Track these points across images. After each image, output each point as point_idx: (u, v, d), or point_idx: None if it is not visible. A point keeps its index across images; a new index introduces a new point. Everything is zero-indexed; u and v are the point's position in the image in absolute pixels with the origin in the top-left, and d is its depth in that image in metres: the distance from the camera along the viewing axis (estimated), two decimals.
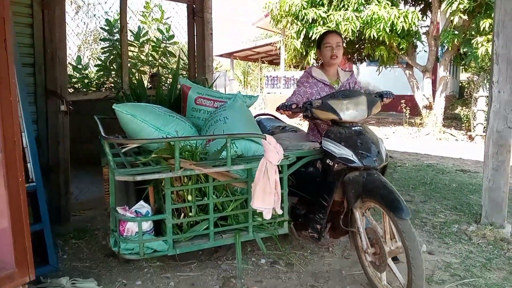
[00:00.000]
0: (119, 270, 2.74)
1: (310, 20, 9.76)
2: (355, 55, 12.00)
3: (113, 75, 6.82)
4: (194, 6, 4.82)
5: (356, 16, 9.25)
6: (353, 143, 2.39)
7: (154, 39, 6.94)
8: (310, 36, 9.83)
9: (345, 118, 2.47)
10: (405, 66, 10.83)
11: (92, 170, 3.88)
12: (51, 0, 3.37)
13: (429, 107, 10.40)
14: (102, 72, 6.96)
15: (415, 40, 10.02)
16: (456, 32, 8.96)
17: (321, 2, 9.90)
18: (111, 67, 6.48)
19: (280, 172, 2.55)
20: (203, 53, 4.85)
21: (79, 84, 6.54)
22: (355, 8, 9.38)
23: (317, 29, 9.66)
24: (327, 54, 3.02)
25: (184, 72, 5.05)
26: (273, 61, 21.52)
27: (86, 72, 7.18)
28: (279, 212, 2.47)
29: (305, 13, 9.72)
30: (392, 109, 13.79)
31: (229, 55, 20.01)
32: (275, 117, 3.86)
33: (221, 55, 19.91)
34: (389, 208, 2.17)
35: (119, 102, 3.09)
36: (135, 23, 7.49)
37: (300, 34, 10.08)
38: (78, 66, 6.81)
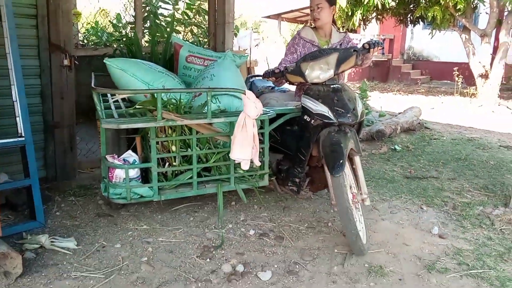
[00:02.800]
0: (104, 232, 2.67)
1: None
2: (408, 16, 11.07)
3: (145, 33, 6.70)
4: None
5: None
6: (330, 100, 2.48)
7: None
8: None
9: (310, 79, 2.56)
10: (462, 29, 9.84)
11: None
12: None
13: (485, 76, 9.44)
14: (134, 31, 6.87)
15: (475, 0, 9.01)
16: None
17: None
18: (144, 25, 6.36)
19: (262, 127, 2.77)
20: (223, 9, 4.56)
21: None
22: None
23: None
24: (312, 17, 3.04)
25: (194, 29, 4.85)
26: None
27: (125, 31, 7.12)
28: (257, 163, 2.65)
29: None
30: (447, 78, 12.80)
31: (277, 16, 19.29)
32: None
33: (268, 17, 19.32)
34: (327, 165, 2.39)
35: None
36: None
37: None
38: (118, 24, 6.75)
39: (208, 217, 2.89)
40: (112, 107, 2.92)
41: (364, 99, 5.69)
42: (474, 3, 9.33)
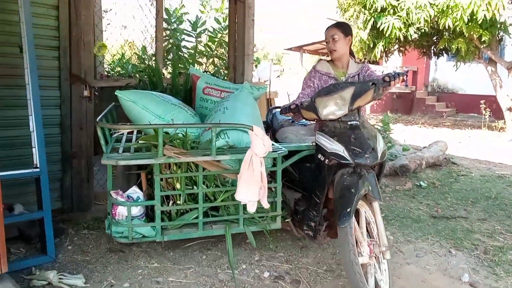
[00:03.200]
0: (113, 269, 2.57)
1: (379, 9, 9.00)
2: (432, 48, 10.97)
3: (167, 65, 6.78)
4: None
5: (430, 4, 8.34)
6: (346, 138, 2.29)
7: (211, 29, 6.82)
8: (378, 26, 9.09)
9: (323, 116, 2.39)
10: (487, 61, 9.65)
11: None
12: None
13: None
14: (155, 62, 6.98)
15: (500, 32, 8.85)
16: None
17: None
18: (168, 57, 6.45)
19: (275, 165, 2.61)
20: (244, 40, 4.57)
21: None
22: None
23: (386, 18, 8.90)
24: (328, 50, 2.93)
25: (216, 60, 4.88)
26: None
27: (150, 62, 7.25)
28: (265, 206, 2.44)
29: (373, 1, 8.99)
30: (474, 111, 12.49)
31: (299, 48, 19.48)
32: None
33: (290, 49, 19.52)
34: (334, 212, 2.24)
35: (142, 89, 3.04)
36: (195, 13, 7.43)
37: (368, 24, 9.36)
38: (142, 56, 6.88)
39: (221, 256, 2.77)
40: (123, 140, 2.86)
41: (387, 132, 5.53)
42: (499, 35, 9.18)
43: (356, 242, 2.18)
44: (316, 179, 2.46)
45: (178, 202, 2.55)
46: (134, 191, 2.57)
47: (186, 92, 3.42)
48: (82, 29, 3.33)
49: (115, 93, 2.75)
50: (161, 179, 2.48)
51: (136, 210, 2.51)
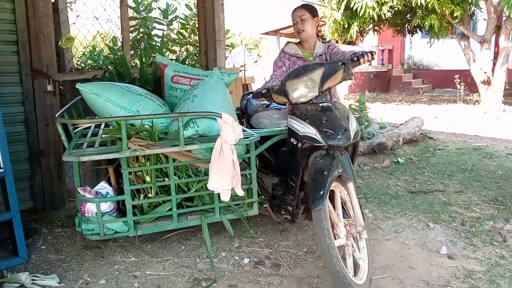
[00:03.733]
0: (89, 266, 2.51)
1: None
2: (406, 26, 10.99)
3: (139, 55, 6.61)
4: None
5: None
6: (318, 120, 2.24)
7: (183, 16, 6.66)
8: (352, 6, 9.05)
9: (294, 99, 2.32)
10: (460, 37, 9.73)
11: None
12: None
13: (487, 82, 9.29)
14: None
15: (471, 7, 8.91)
16: None
17: None
18: (138, 47, 6.29)
19: (248, 151, 2.57)
20: (214, 26, 4.46)
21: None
22: None
23: None
24: (295, 30, 2.91)
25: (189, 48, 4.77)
26: (322, 37, 20.60)
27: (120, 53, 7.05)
28: (240, 193, 2.40)
29: None
30: (449, 86, 12.63)
31: (275, 32, 19.32)
32: None
33: (266, 33, 19.35)
34: (307, 195, 2.17)
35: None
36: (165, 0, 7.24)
37: (341, 4, 9.30)
38: (114, 47, 6.68)
39: (200, 245, 2.72)
40: (89, 135, 2.76)
41: (363, 112, 5.53)
42: (471, 10, 9.25)
43: (332, 225, 2.15)
44: (290, 163, 2.42)
45: (150, 195, 2.47)
46: (103, 187, 2.48)
47: (155, 82, 3.31)
48: (40, 21, 3.18)
49: (76, 86, 2.63)
50: (130, 173, 2.40)
51: (106, 206, 2.43)
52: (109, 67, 3.82)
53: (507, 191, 3.61)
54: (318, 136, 2.21)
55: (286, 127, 2.50)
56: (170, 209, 2.50)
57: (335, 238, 2.09)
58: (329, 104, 2.31)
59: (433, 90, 13.61)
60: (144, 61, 3.71)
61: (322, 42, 2.99)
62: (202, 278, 2.34)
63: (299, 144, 2.31)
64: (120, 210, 2.52)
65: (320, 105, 2.29)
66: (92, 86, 2.65)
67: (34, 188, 3.30)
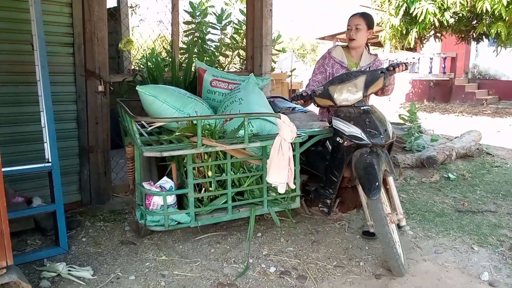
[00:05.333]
0: (122, 261, 2.60)
1: None
2: (471, 33, 10.38)
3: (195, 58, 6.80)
4: None
5: None
6: (362, 122, 2.53)
7: (236, 21, 6.77)
8: (411, 12, 8.70)
9: (339, 102, 2.61)
10: None
11: None
12: None
13: None
14: (188, 56, 6.99)
15: None
16: None
17: None
18: (194, 51, 6.46)
19: (293, 149, 2.70)
20: (261, 31, 4.49)
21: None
22: None
23: (419, 3, 8.50)
24: (347, 36, 3.01)
25: (241, 52, 4.83)
26: (381, 43, 20.03)
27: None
28: (292, 186, 2.66)
29: None
30: None
31: (332, 37, 19.08)
32: (285, 98, 3.87)
33: (323, 38, 19.16)
34: (362, 187, 2.43)
35: (141, 84, 3.04)
36: (220, 5, 7.39)
37: (400, 9, 8.98)
38: (171, 50, 6.94)
39: (229, 249, 2.74)
40: (145, 135, 2.89)
41: (414, 122, 5.29)
42: None
43: None
44: (333, 160, 2.71)
45: (210, 189, 2.68)
46: (166, 181, 2.67)
47: (185, 86, 3.42)
48: (95, 25, 3.37)
49: (136, 88, 2.81)
50: (193, 168, 2.60)
51: (171, 199, 2.62)
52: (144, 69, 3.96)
53: None
54: (363, 135, 2.49)
55: (327, 127, 2.89)
56: (225, 202, 2.71)
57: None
58: (369, 107, 2.63)
59: (499, 102, 12.74)
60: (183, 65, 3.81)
61: (369, 54, 3.10)
62: (226, 283, 2.35)
63: (345, 142, 2.57)
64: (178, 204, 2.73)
65: (362, 108, 2.60)
66: (150, 89, 2.82)
67: (82, 182, 3.49)
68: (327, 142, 2.91)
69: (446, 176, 4.45)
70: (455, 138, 5.70)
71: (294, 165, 2.72)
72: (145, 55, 7.95)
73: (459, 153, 5.03)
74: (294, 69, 6.36)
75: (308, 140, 2.83)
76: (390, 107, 11.43)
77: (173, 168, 2.79)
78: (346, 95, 2.59)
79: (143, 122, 2.99)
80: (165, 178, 2.72)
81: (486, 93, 13.24)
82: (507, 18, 7.95)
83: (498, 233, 3.02)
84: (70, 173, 3.41)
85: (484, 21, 8.69)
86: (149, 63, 3.62)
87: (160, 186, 2.65)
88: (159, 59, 6.90)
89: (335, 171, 2.68)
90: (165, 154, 2.47)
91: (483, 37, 10.08)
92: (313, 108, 3.16)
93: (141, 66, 7.18)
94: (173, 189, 2.65)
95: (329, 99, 2.64)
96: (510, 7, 7.63)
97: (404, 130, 5.41)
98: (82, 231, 3.04)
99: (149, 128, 2.89)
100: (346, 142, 2.58)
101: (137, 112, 3.07)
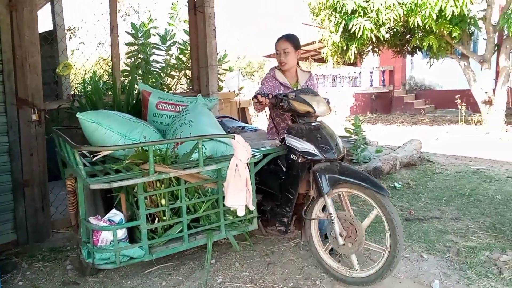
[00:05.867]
0: None
1: (349, 11, 8.98)
2: (405, 47, 10.98)
3: (138, 81, 6.62)
4: (195, 0, 4.45)
5: (399, 3, 8.35)
6: (314, 138, 2.56)
7: (181, 41, 6.70)
8: (350, 29, 9.07)
9: (318, 111, 2.66)
10: (460, 57, 9.69)
11: None
12: (19, 1, 3.15)
13: (488, 102, 9.19)
14: (129, 79, 6.80)
15: (470, 27, 8.90)
16: None
17: None
18: (138, 72, 6.29)
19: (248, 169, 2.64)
20: (206, 51, 4.46)
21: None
22: None
23: (357, 20, 8.88)
24: (278, 60, 3.07)
25: (187, 72, 4.77)
26: (324, 59, 20.70)
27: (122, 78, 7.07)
28: (251, 208, 2.63)
29: (343, 3, 8.96)
30: (451, 106, 12.53)
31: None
32: (233, 118, 3.93)
33: (269, 56, 19.50)
34: (374, 188, 2.36)
35: (81, 111, 2.87)
36: (163, 26, 7.29)
37: (339, 27, 9.33)
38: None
39: (182, 281, 2.62)
40: (89, 165, 2.75)
41: (359, 135, 5.44)
42: (470, 30, 9.23)
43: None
44: (288, 178, 2.70)
45: (164, 218, 2.52)
46: (115, 214, 2.49)
47: (128, 109, 3.31)
48: (26, 50, 3.17)
49: (77, 115, 2.64)
50: (145, 198, 2.44)
51: (121, 233, 2.45)
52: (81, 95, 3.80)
53: (505, 218, 3.47)
54: (316, 151, 2.51)
55: (279, 145, 2.90)
56: (181, 231, 2.57)
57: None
58: (319, 123, 2.68)
59: (435, 110, 13.51)
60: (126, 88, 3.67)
61: (302, 71, 3.16)
62: None
63: (299, 159, 2.58)
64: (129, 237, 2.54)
65: (312, 124, 2.65)
66: (92, 115, 2.67)
67: (17, 220, 3.22)
68: (279, 159, 2.90)
69: (392, 185, 4.58)
70: (398, 148, 5.92)
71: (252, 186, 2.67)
72: (84, 79, 7.67)
73: (403, 162, 5.22)
74: (242, 87, 6.38)
75: (262, 159, 2.80)
76: (336, 120, 11.75)
77: (122, 199, 2.61)
78: (322, 107, 2.66)
79: (84, 151, 2.82)
80: (113, 210, 2.54)
81: (423, 102, 14.01)
82: (437, 31, 8.50)
83: (445, 239, 3.12)
84: (4, 210, 3.15)
85: (416, 35, 9.24)
86: (87, 87, 3.46)
87: (109, 220, 2.46)
88: (99, 82, 6.66)
89: (291, 188, 2.67)
90: (115, 185, 2.27)
91: (417, 50, 10.71)
92: (261, 122, 3.17)
93: (87, 91, 6.90)
94: (123, 222, 2.48)
95: (308, 105, 2.63)
96: (439, 21, 8.17)
97: (350, 142, 5.55)
98: (19, 274, 2.79)
99: (94, 158, 2.65)
100: (300, 159, 2.59)
101: (78, 140, 2.91)
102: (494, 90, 9.19)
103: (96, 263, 2.41)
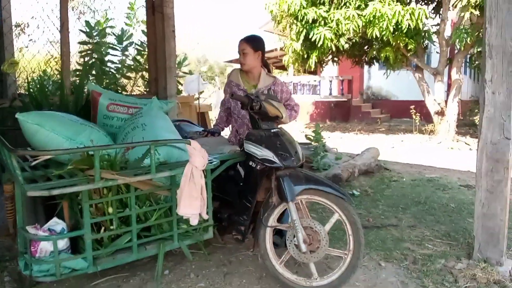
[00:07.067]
0: None
1: (310, 21, 9.10)
2: (363, 57, 11.28)
3: (91, 81, 6.31)
4: (153, 0, 4.30)
5: (358, 15, 8.56)
6: (273, 144, 2.48)
7: (139, 42, 6.48)
8: (311, 37, 9.18)
9: (285, 118, 2.64)
10: (415, 69, 10.06)
11: None
12: None
13: (441, 113, 9.58)
14: (79, 78, 6.49)
15: (425, 40, 9.25)
16: (469, 31, 8.16)
17: (322, 0, 9.24)
18: (91, 72, 6.01)
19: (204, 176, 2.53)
20: (164, 53, 4.32)
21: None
22: (357, 6, 8.67)
23: (318, 29, 9.01)
24: (239, 60, 3.05)
25: (145, 74, 4.61)
26: (285, 66, 20.92)
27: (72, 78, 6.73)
28: (205, 217, 2.49)
29: (304, 12, 9.07)
30: (406, 116, 12.97)
31: (238, 60, 19.49)
32: (192, 122, 3.78)
33: (230, 61, 19.47)
34: (338, 193, 2.39)
35: (22, 111, 2.64)
36: (120, 25, 7.04)
37: (300, 35, 9.43)
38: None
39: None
40: (29, 170, 2.47)
41: (320, 142, 5.46)
42: (424, 43, 9.59)
43: None
44: (246, 185, 2.63)
45: (111, 227, 2.35)
46: (56, 223, 2.29)
47: (76, 110, 3.12)
48: None
49: (16, 115, 2.41)
50: (90, 206, 2.26)
51: (63, 243, 2.25)
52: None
53: (459, 226, 3.55)
54: (275, 158, 2.43)
55: (241, 151, 2.74)
56: (130, 241, 2.39)
57: None
58: (278, 130, 2.62)
59: (391, 119, 13.96)
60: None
61: (268, 75, 3.11)
62: None
63: (258, 166, 2.52)
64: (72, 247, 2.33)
65: (272, 131, 2.58)
66: (34, 116, 2.46)
67: None
68: (238, 166, 2.82)
69: (351, 192, 4.61)
70: (357, 155, 6.00)
71: (207, 193, 2.53)
72: (33, 78, 7.25)
73: (361, 169, 5.28)
74: (202, 91, 6.24)
75: (219, 166, 2.69)
76: (296, 127, 11.84)
77: (64, 207, 2.40)
78: (286, 114, 2.64)
79: (26, 155, 2.59)
80: (54, 219, 2.34)
81: (379, 112, 14.44)
82: (394, 43, 8.77)
83: (402, 246, 3.13)
84: None
85: (374, 46, 9.51)
86: (31, 86, 3.22)
87: (49, 229, 2.26)
88: (47, 81, 6.31)
89: (249, 196, 2.59)
90: (55, 192, 2.09)
91: (374, 61, 11.02)
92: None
93: (31, 90, 6.52)
94: (65, 232, 2.28)
95: (279, 111, 2.58)
96: (396, 33, 8.44)
97: (310, 149, 5.56)
98: None
99: (33, 163, 2.45)
100: (259, 166, 2.51)
101: (22, 143, 2.68)
102: (446, 101, 9.58)
103: (34, 275, 2.21)
